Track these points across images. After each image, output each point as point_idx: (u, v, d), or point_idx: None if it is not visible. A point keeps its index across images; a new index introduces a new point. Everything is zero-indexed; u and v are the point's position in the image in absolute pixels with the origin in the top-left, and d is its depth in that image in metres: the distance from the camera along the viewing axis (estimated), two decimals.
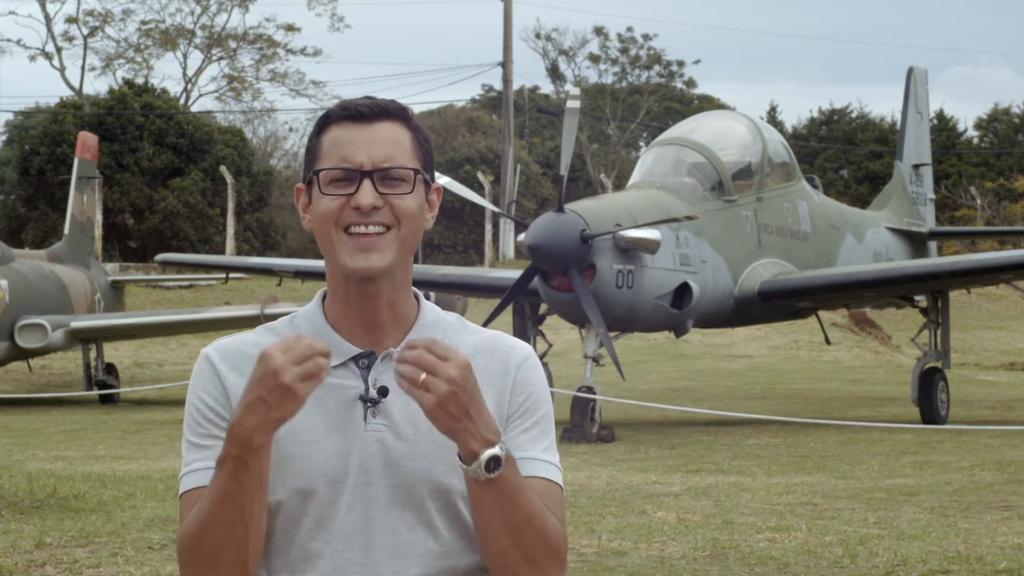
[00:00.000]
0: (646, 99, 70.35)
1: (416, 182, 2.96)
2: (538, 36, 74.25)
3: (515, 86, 55.71)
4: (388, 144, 2.95)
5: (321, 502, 2.94)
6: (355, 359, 2.98)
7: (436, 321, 3.04)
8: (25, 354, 25.81)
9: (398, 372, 2.70)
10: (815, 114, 73.44)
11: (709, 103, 70.31)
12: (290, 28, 63.58)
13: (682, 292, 19.11)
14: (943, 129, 67.14)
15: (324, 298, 3.06)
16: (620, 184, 47.09)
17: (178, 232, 49.08)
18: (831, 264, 22.53)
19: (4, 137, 57.85)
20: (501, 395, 3.00)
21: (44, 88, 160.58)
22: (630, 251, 18.26)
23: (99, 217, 40.46)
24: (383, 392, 2.95)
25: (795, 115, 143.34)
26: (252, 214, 50.83)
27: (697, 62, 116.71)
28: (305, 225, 3.02)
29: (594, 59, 73.60)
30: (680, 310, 19.16)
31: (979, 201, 54.47)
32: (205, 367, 3.02)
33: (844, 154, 68.31)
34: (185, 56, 63.44)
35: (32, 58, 63.04)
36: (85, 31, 62.29)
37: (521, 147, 61.88)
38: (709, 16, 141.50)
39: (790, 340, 35.93)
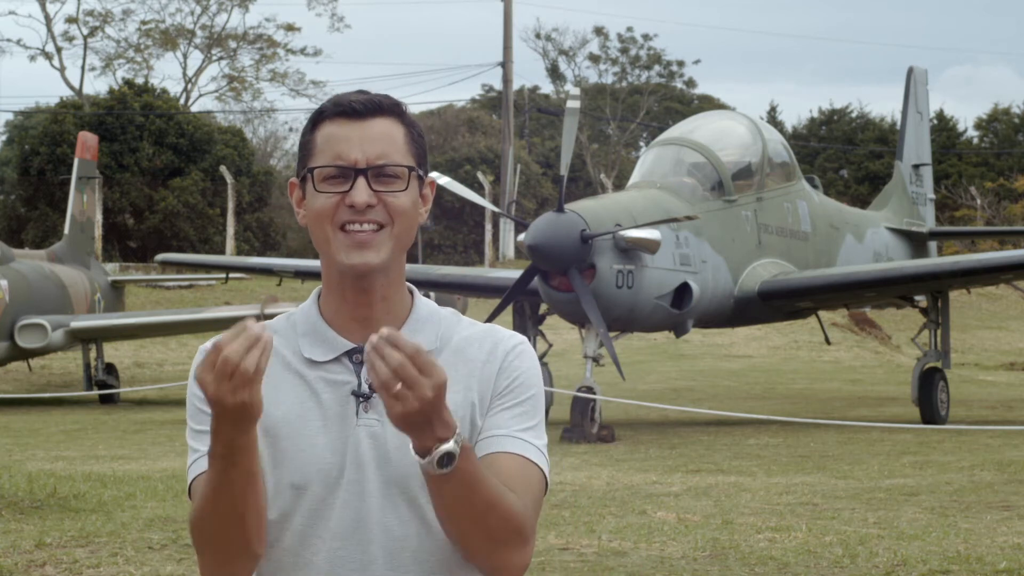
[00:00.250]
0: (646, 99, 70.36)
1: (410, 179, 2.96)
2: (538, 36, 74.33)
3: (515, 86, 55.75)
4: (382, 141, 2.95)
5: (315, 497, 2.95)
6: (348, 354, 2.99)
7: (430, 315, 3.05)
8: (25, 354, 25.82)
9: (372, 367, 2.67)
10: (815, 114, 73.51)
11: (709, 103, 70.31)
12: (290, 28, 63.63)
13: (682, 292, 19.11)
14: (943, 129, 67.15)
15: (320, 295, 3.07)
16: (620, 184, 47.10)
17: (178, 232, 49.09)
18: (831, 264, 22.53)
19: (4, 137, 57.91)
20: (486, 379, 3.00)
21: (44, 88, 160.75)
22: (630, 251, 18.26)
23: (99, 217, 40.47)
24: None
25: (795, 115, 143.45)
26: (252, 214, 50.84)
27: (697, 62, 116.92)
28: (300, 220, 3.03)
29: (594, 59, 73.64)
30: (680, 310, 19.16)
31: (979, 201, 54.47)
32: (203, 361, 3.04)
33: (844, 154, 68.32)
34: (185, 56, 63.49)
35: (32, 58, 63.12)
36: (85, 31, 62.35)
37: (521, 147, 61.89)
38: (709, 16, 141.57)
39: (790, 340, 35.94)
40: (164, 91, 55.24)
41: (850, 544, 9.85)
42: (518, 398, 3.00)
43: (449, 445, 2.72)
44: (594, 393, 18.04)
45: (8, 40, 74.02)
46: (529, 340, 2.94)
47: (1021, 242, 45.53)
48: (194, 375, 2.88)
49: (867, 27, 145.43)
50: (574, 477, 14.01)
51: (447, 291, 23.15)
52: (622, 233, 18.03)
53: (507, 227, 47.65)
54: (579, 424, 17.97)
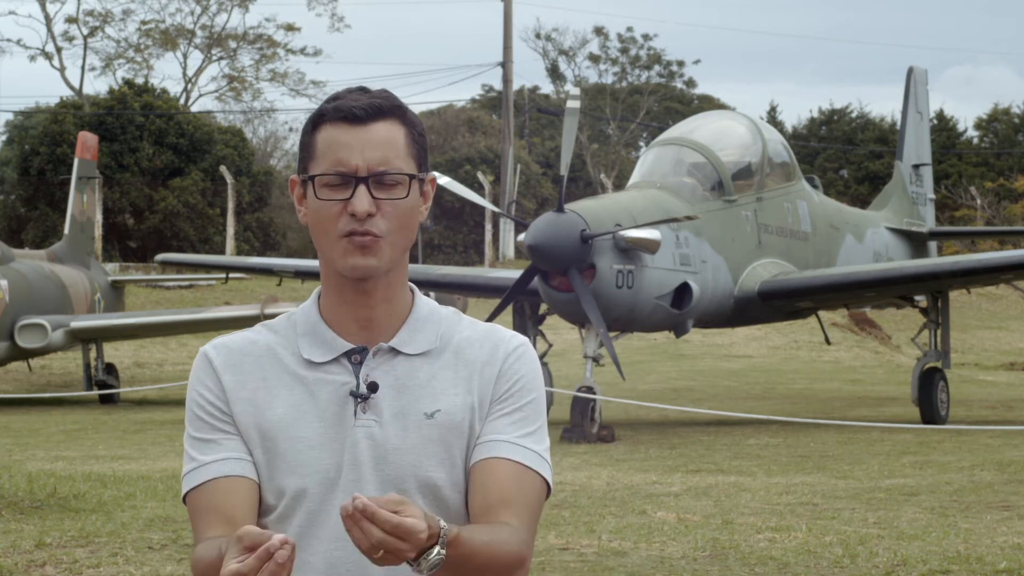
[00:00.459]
0: (646, 99, 70.36)
1: (411, 185, 2.96)
2: (538, 36, 74.32)
3: (515, 86, 55.74)
4: (383, 147, 2.94)
5: (313, 499, 2.95)
6: (347, 355, 2.99)
7: (430, 315, 3.05)
8: (25, 354, 25.82)
9: (352, 537, 2.65)
10: (815, 114, 73.50)
11: (709, 103, 70.30)
12: (290, 28, 63.62)
13: (682, 292, 19.11)
14: (943, 129, 67.15)
15: (320, 295, 3.07)
16: (620, 184, 47.09)
17: (178, 232, 49.09)
18: (831, 264, 22.53)
19: (4, 137, 57.90)
20: (486, 382, 2.99)
21: (44, 88, 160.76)
22: (630, 251, 18.26)
23: (99, 217, 40.47)
24: (373, 388, 2.95)
25: (795, 115, 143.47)
26: (252, 214, 50.84)
27: (697, 62, 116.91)
28: (301, 218, 3.04)
29: (594, 59, 73.63)
30: (680, 310, 19.16)
31: (979, 201, 54.47)
32: (203, 364, 3.04)
33: (844, 154, 68.32)
34: (185, 56, 63.49)
35: (32, 58, 63.09)
36: (85, 31, 62.35)
37: (521, 147, 61.89)
38: (709, 16, 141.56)
39: (790, 340, 35.94)
40: (164, 91, 55.23)
41: (850, 544, 9.85)
42: (518, 403, 3.00)
43: (435, 556, 2.72)
44: (594, 393, 18.04)
45: (8, 40, 74.01)
46: (529, 340, 2.91)
47: (1021, 242, 45.53)
48: (204, 367, 2.89)
49: (867, 27, 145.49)
50: (574, 477, 14.01)
51: (447, 291, 23.15)
52: (622, 233, 18.03)
53: (507, 227, 47.65)
54: (579, 424, 17.97)
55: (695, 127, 21.53)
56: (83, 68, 62.33)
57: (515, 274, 20.48)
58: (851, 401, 24.67)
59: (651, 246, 18.30)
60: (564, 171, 18.37)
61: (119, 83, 55.78)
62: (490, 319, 18.67)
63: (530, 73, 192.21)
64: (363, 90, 3.00)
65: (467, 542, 2.78)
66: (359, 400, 2.96)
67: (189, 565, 9.19)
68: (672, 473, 14.55)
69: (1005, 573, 8.99)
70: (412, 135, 2.99)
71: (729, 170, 20.58)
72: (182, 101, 60.28)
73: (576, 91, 20.03)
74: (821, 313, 23.51)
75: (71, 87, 61.55)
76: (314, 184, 2.95)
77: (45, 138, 49.24)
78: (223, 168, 44.80)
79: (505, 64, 51.47)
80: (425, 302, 3.07)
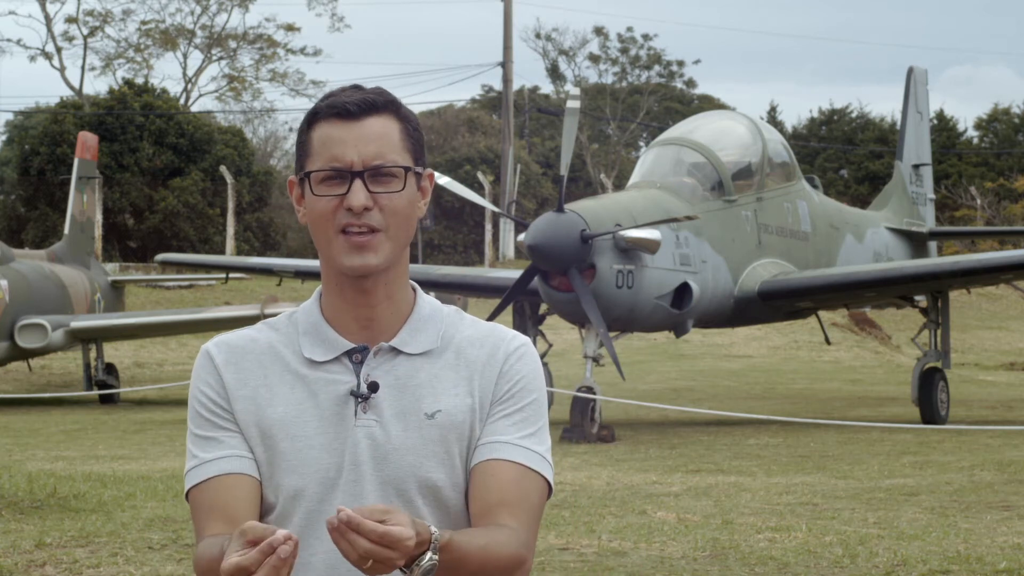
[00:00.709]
0: (646, 99, 70.35)
1: (407, 178, 2.96)
2: (538, 36, 74.33)
3: (515, 86, 55.73)
4: (377, 141, 2.94)
5: (313, 498, 2.95)
6: (348, 354, 2.98)
7: (432, 314, 3.04)
8: (25, 354, 25.82)
9: (340, 549, 2.65)
10: (815, 114, 73.49)
11: (709, 103, 70.30)
12: (290, 28, 63.62)
13: (682, 292, 19.11)
14: (943, 129, 67.14)
15: (322, 294, 3.07)
16: (620, 184, 47.08)
17: (178, 232, 49.09)
18: (831, 264, 22.53)
19: (4, 137, 57.90)
20: (486, 382, 2.99)
21: (44, 88, 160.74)
22: (630, 251, 18.26)
23: (99, 217, 40.45)
24: (373, 387, 2.95)
25: (795, 115, 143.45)
26: (252, 214, 50.83)
27: (697, 62, 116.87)
28: (300, 219, 3.04)
29: (594, 59, 73.62)
30: (680, 310, 19.16)
31: (979, 201, 54.46)
32: (205, 362, 3.04)
33: (844, 154, 68.31)
34: (185, 56, 63.49)
35: (32, 58, 63.08)
36: (85, 31, 62.35)
37: (521, 147, 61.89)
38: (709, 16, 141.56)
39: (790, 340, 35.93)
40: (164, 91, 55.23)
41: (850, 544, 9.85)
42: (518, 404, 3.00)
43: (426, 562, 2.72)
44: (594, 393, 18.04)
45: (8, 40, 73.96)
46: (530, 340, 2.90)
47: (1021, 242, 45.52)
48: (205, 365, 2.90)
49: (867, 27, 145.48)
50: (574, 477, 14.01)
51: (447, 291, 23.15)
52: (622, 233, 18.03)
53: (507, 227, 47.65)
54: (579, 424, 17.97)
55: (695, 127, 21.52)
56: (83, 68, 62.38)
57: (515, 274, 20.48)
58: (851, 401, 24.66)
59: (651, 246, 18.30)
60: (564, 171, 18.37)
61: (119, 83, 55.78)
62: (490, 319, 18.64)
63: (530, 73, 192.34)
64: (357, 87, 3.00)
65: (460, 547, 2.78)
66: (359, 400, 2.96)
67: (190, 564, 9.21)
68: (672, 473, 14.55)
69: (1005, 573, 8.99)
70: (407, 129, 2.99)
71: (729, 170, 20.58)
72: (182, 101, 60.28)
73: (576, 91, 20.03)
74: (821, 313, 23.51)
75: (71, 87, 61.60)
76: (310, 181, 2.95)
77: (45, 138, 49.23)
78: (223, 168, 44.79)
79: (505, 64, 51.47)
80: (427, 301, 3.06)
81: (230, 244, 44.52)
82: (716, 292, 19.93)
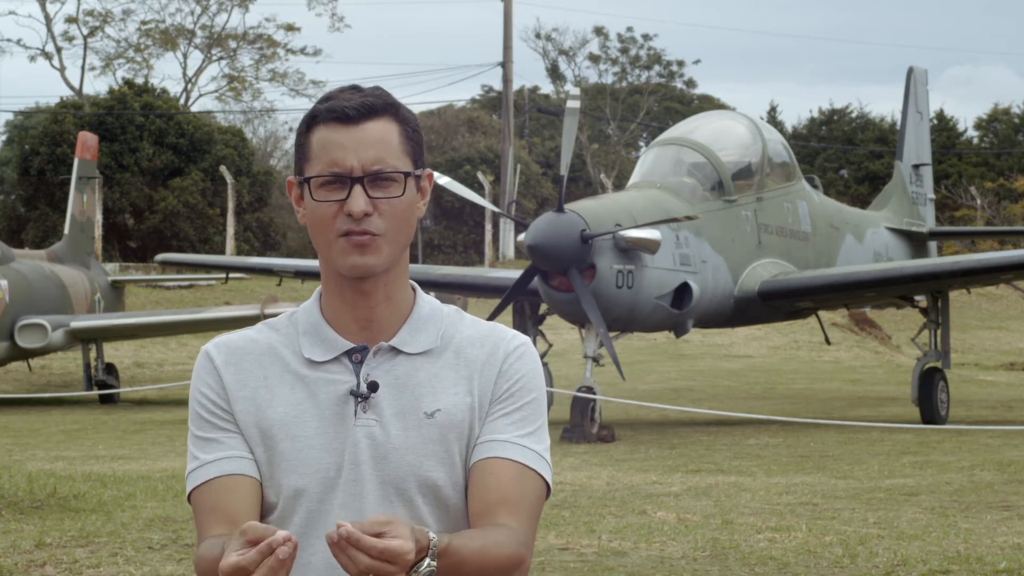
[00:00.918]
0: (646, 99, 70.36)
1: (407, 183, 2.96)
2: (538, 36, 74.33)
3: (515, 86, 55.72)
4: (377, 146, 2.94)
5: (313, 498, 2.95)
6: (348, 354, 2.99)
7: (432, 314, 3.05)
8: (25, 354, 25.82)
9: (341, 564, 2.66)
10: (815, 114, 73.50)
11: (709, 103, 70.30)
12: (290, 28, 63.62)
13: (682, 292, 19.11)
14: (943, 129, 67.14)
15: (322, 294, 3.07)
16: (620, 184, 47.08)
17: (178, 232, 49.09)
18: (831, 264, 22.53)
19: (4, 137, 57.89)
20: (486, 381, 2.99)
21: (44, 88, 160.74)
22: (630, 251, 18.26)
23: (99, 217, 40.45)
24: (373, 387, 2.95)
25: (795, 115, 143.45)
26: (252, 214, 50.84)
27: (697, 62, 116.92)
28: (299, 219, 3.04)
29: (594, 59, 73.63)
30: (680, 310, 19.16)
31: (979, 201, 54.47)
32: (204, 363, 3.05)
33: (844, 154, 68.31)
34: (185, 56, 63.48)
35: (32, 58, 63.07)
36: (85, 31, 62.34)
37: (521, 147, 61.88)
38: (709, 16, 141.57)
39: (790, 340, 35.93)
40: (164, 91, 55.22)
41: (850, 544, 9.85)
42: (518, 403, 3.00)
43: (425, 569, 2.73)
44: (594, 393, 18.04)
45: (8, 40, 73.95)
46: (530, 340, 2.90)
47: (1021, 242, 45.52)
48: (205, 366, 2.89)
49: (867, 27, 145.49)
50: (574, 477, 14.01)
51: (447, 291, 23.15)
52: (622, 233, 18.03)
53: (507, 227, 47.65)
54: (579, 424, 17.97)
55: (695, 127, 21.52)
56: (83, 68, 62.37)
57: (515, 274, 20.48)
58: (851, 401, 24.66)
59: (651, 246, 18.30)
60: (564, 171, 18.37)
61: (119, 83, 55.78)
62: (490, 319, 18.61)
63: (530, 73, 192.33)
64: (355, 89, 3.00)
65: (458, 551, 2.78)
66: (359, 399, 2.96)
67: (191, 564, 9.22)
68: (672, 473, 14.55)
69: (1005, 573, 8.99)
70: (406, 132, 2.99)
71: (729, 170, 20.58)
72: (182, 101, 60.28)
73: (576, 91, 20.03)
74: (821, 313, 23.51)
75: (71, 87, 61.60)
76: (310, 186, 2.95)
77: (45, 138, 49.23)
78: (223, 168, 44.79)
79: (505, 64, 51.47)
80: (427, 300, 3.06)
81: (230, 244, 44.52)
82: (716, 292, 19.93)
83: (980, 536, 10.23)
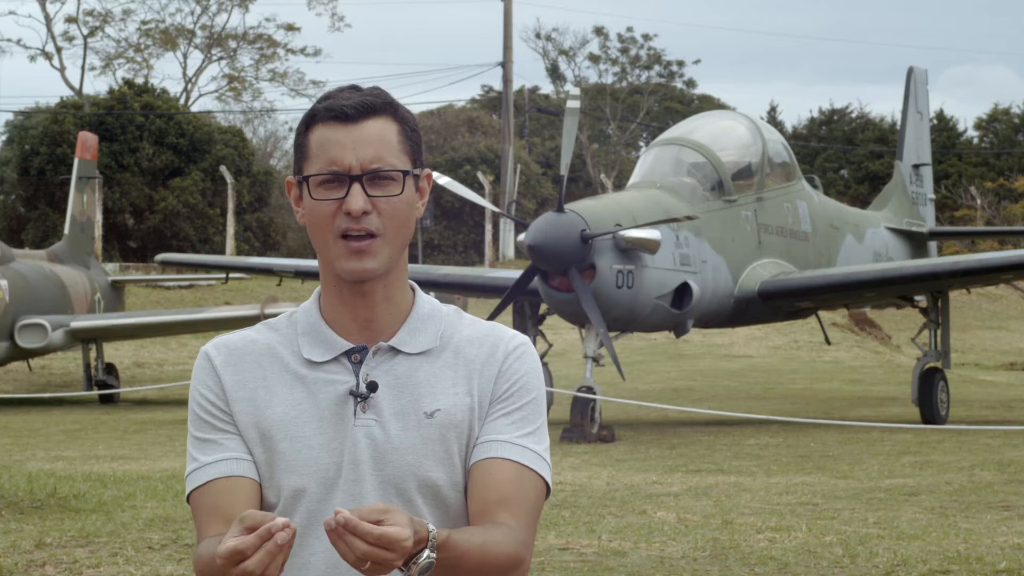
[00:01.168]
0: (646, 99, 70.36)
1: (405, 181, 2.96)
2: (538, 36, 74.32)
3: (515, 86, 55.72)
4: (375, 144, 2.94)
5: (313, 498, 2.95)
6: (347, 354, 2.99)
7: (431, 314, 3.05)
8: (25, 354, 25.82)
9: (338, 550, 2.66)
10: (815, 114, 73.54)
11: (709, 103, 70.32)
12: (290, 28, 63.60)
13: (682, 292, 19.11)
14: (943, 129, 67.15)
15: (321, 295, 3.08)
16: (620, 184, 47.08)
17: (178, 232, 49.08)
18: (831, 264, 22.52)
19: (4, 137, 57.85)
20: (485, 381, 2.99)
21: (44, 88, 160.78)
22: (630, 251, 18.26)
23: (99, 217, 40.43)
24: (372, 387, 2.95)
25: (795, 115, 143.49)
26: (252, 214, 50.83)
27: (697, 62, 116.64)
28: (299, 219, 3.04)
29: (594, 59, 73.62)
30: (680, 310, 19.16)
31: (979, 201, 54.47)
32: (204, 364, 3.05)
33: (844, 154, 68.32)
34: (185, 56, 63.47)
35: (32, 58, 63.03)
36: (85, 31, 62.33)
37: (521, 147, 61.88)
38: (709, 16, 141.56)
39: (790, 340, 35.93)
40: (164, 91, 55.22)
41: (850, 544, 9.85)
42: (517, 403, 3.00)
43: (424, 560, 2.72)
44: (594, 393, 18.04)
45: (8, 40, 73.87)
46: (530, 340, 2.90)
47: (1021, 242, 45.52)
48: (204, 367, 2.88)
49: (867, 27, 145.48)
50: (574, 477, 14.01)
51: (447, 291, 23.15)
52: (622, 233, 18.03)
53: (507, 227, 47.65)
54: (579, 424, 17.97)
55: (695, 127, 21.52)
56: (83, 68, 62.34)
57: (515, 274, 20.48)
58: (851, 401, 24.66)
59: (651, 246, 18.30)
60: (564, 171, 18.37)
61: (119, 83, 55.78)
62: (490, 319, 18.61)
63: (530, 73, 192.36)
64: (354, 88, 3.00)
65: (458, 545, 2.78)
66: (359, 399, 2.96)
67: (190, 564, 9.23)
68: (672, 473, 14.54)
69: (1005, 573, 8.99)
70: (405, 131, 2.99)
71: (729, 170, 20.58)
72: (182, 101, 60.27)
73: (576, 91, 20.02)
74: (821, 313, 23.51)
75: (71, 87, 61.58)
76: (309, 185, 2.96)
77: (45, 138, 49.23)
78: (223, 168, 44.78)
79: (505, 64, 51.46)
80: (426, 300, 3.06)
81: (230, 244, 44.52)
82: (716, 292, 19.93)
83: (980, 536, 10.23)
